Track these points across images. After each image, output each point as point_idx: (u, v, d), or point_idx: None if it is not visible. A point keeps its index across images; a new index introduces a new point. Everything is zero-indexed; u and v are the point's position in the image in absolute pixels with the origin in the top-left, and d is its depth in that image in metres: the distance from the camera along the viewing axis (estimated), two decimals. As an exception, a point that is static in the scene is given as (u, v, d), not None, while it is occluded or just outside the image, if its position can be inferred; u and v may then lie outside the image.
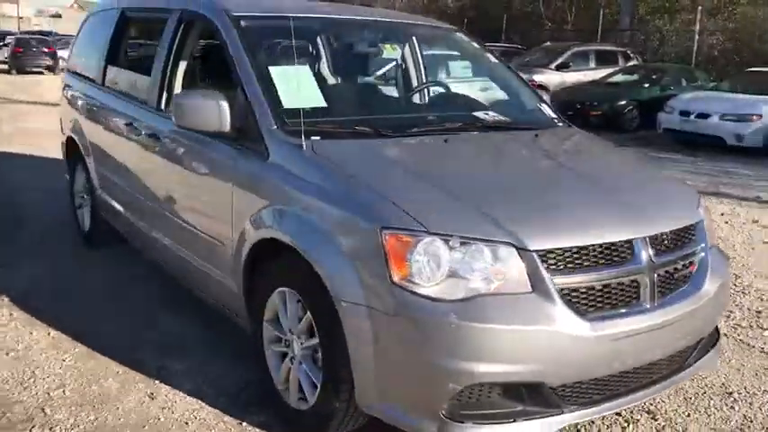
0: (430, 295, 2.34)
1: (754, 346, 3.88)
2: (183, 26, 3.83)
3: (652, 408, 3.16)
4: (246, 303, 3.11)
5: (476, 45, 4.18)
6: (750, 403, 3.27)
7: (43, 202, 6.32)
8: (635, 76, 15.02)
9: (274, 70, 3.22)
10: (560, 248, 2.43)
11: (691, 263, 2.80)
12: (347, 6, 4.08)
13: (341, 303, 2.49)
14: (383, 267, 2.39)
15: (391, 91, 4.18)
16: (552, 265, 2.40)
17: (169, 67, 3.82)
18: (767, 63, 16.10)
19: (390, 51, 4.02)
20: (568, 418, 2.47)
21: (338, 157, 2.82)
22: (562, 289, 2.40)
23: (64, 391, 3.17)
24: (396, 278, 2.37)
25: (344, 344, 2.51)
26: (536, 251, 2.39)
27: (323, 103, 3.14)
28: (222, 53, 3.33)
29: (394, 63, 4.24)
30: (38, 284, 4.43)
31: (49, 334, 3.74)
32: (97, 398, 3.13)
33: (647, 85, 14.23)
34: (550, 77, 15.48)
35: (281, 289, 2.87)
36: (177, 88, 3.86)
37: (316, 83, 3.31)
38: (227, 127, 3.07)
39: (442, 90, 4.24)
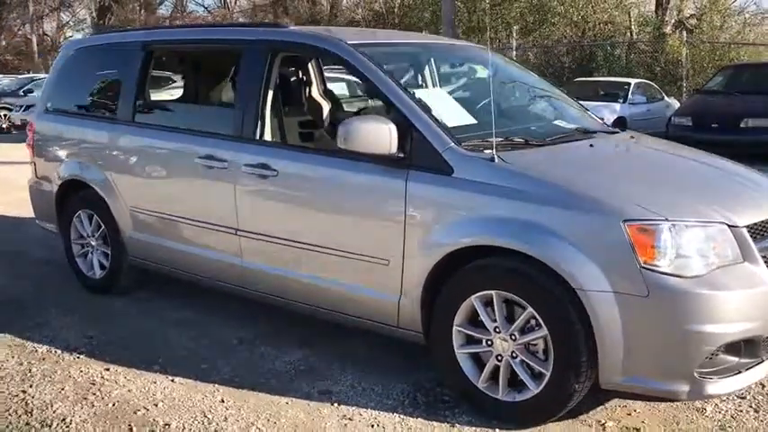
0: (676, 273, 2.73)
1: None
2: (270, 57, 3.85)
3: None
4: (425, 314, 3.28)
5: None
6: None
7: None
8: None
9: (421, 93, 3.43)
10: (755, 223, 2.95)
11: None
12: (419, 34, 4.34)
13: (585, 293, 2.79)
14: (630, 255, 2.74)
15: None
16: (753, 236, 2.91)
17: (261, 98, 3.83)
18: (578, 74, 18.27)
19: (481, 72, 4.33)
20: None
21: (530, 165, 3.13)
22: (762, 255, 2.91)
23: (260, 428, 3.10)
24: (643, 263, 2.74)
25: (586, 330, 2.82)
26: (743, 227, 2.88)
27: (473, 120, 3.40)
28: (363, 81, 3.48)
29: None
30: (91, 336, 4.13)
31: (173, 380, 3.57)
32: (297, 429, 3.10)
33: (490, 99, 15.56)
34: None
35: (483, 293, 3.08)
36: (267, 118, 3.88)
37: (456, 102, 3.56)
38: (395, 149, 3.23)
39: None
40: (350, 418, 3.19)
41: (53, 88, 5.17)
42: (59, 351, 3.94)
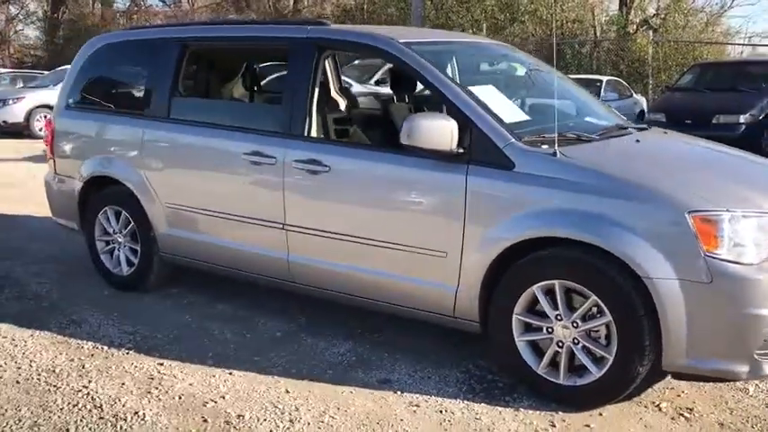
0: (739, 261, 2.92)
1: None
2: (317, 55, 3.93)
3: None
4: (482, 305, 3.40)
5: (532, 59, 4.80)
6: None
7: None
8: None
9: (474, 90, 3.54)
10: (798, 213, 3.16)
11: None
12: (461, 33, 4.45)
13: (652, 281, 2.96)
14: (694, 244, 2.92)
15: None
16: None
17: (309, 95, 3.90)
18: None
19: (519, 70, 4.46)
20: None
21: (590, 159, 3.28)
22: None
23: (333, 417, 3.19)
24: (706, 251, 2.91)
25: (650, 316, 2.99)
26: (790, 217, 3.09)
27: (526, 117, 3.53)
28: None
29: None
30: (133, 332, 4.14)
31: (231, 373, 3.61)
32: (369, 417, 3.19)
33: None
34: (377, 90, 16.38)
35: (545, 282, 3.22)
36: (314, 114, 3.95)
37: (508, 99, 3.68)
38: (455, 145, 3.35)
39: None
40: (417, 405, 3.29)
41: (76, 84, 5.11)
42: (105, 347, 3.94)
